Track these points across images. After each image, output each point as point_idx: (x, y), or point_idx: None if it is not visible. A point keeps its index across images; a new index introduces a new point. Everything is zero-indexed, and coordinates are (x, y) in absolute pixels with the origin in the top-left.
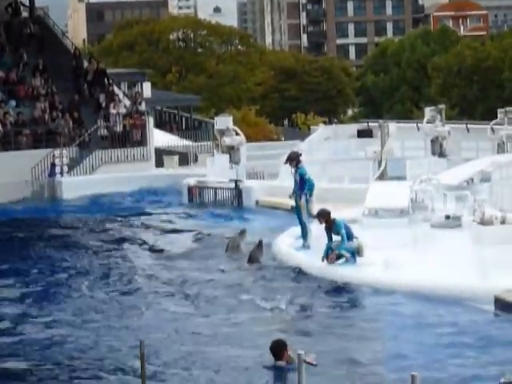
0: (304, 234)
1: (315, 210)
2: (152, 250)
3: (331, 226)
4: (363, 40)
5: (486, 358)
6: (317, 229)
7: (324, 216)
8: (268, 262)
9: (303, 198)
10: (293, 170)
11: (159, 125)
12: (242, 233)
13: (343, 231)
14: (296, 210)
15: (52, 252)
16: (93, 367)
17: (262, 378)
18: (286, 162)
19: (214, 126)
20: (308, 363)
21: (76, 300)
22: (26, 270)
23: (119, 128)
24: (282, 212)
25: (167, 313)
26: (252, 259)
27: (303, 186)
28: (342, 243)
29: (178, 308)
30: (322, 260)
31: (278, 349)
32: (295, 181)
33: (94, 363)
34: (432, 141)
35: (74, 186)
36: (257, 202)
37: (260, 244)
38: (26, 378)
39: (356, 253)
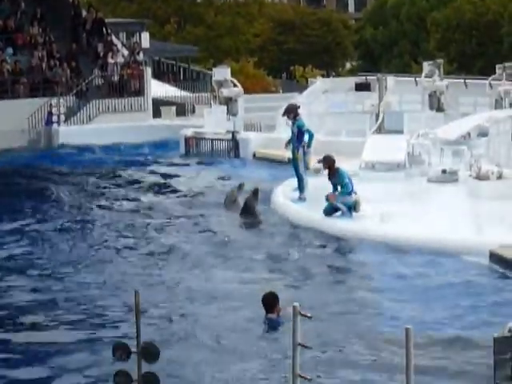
0: (300, 187)
1: (312, 162)
2: (147, 200)
3: (334, 174)
4: None
5: (479, 311)
6: (314, 182)
7: (328, 162)
8: (264, 213)
9: (300, 151)
10: (290, 122)
11: (157, 75)
12: (241, 187)
13: (346, 180)
14: (293, 163)
15: (47, 199)
16: (83, 318)
17: (248, 334)
18: (283, 115)
19: (212, 77)
20: (303, 315)
21: (69, 249)
22: (15, 218)
23: (117, 78)
24: (279, 164)
25: (158, 265)
26: (247, 207)
27: (301, 138)
28: (342, 192)
29: (169, 263)
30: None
31: (270, 301)
32: (292, 133)
33: (85, 314)
34: (430, 95)
35: (71, 135)
36: (254, 154)
37: (256, 192)
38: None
39: (353, 208)
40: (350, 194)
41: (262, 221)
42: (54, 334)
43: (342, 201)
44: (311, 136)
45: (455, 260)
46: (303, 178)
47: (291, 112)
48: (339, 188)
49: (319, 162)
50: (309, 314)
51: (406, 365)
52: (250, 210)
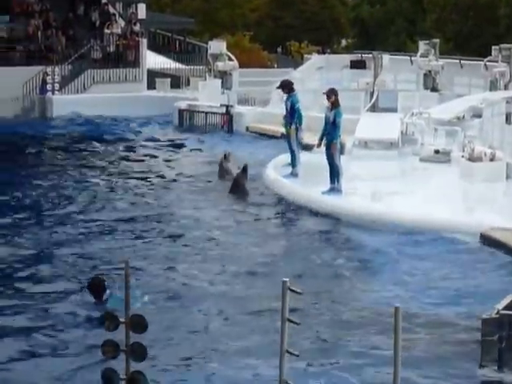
0: (293, 162)
1: (306, 138)
2: (137, 174)
3: (334, 107)
4: None
5: (468, 292)
6: (307, 158)
7: (334, 94)
8: (254, 188)
9: (293, 126)
10: (284, 97)
11: (152, 47)
12: (226, 156)
13: (340, 120)
14: (286, 138)
15: (35, 170)
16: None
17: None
18: (278, 87)
19: (207, 50)
20: (293, 291)
21: (55, 222)
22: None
23: (112, 48)
24: (272, 138)
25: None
26: (237, 184)
27: (293, 114)
28: (337, 132)
29: (163, 242)
30: (318, 146)
31: (95, 287)
32: (286, 108)
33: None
34: (425, 75)
35: (65, 104)
36: (247, 128)
37: (245, 168)
38: None
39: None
40: (339, 135)
41: (250, 194)
42: (43, 300)
43: (338, 136)
44: (300, 116)
45: (445, 240)
46: (296, 153)
47: (286, 86)
48: (330, 128)
49: (323, 93)
50: (299, 290)
51: (394, 344)
52: (239, 187)
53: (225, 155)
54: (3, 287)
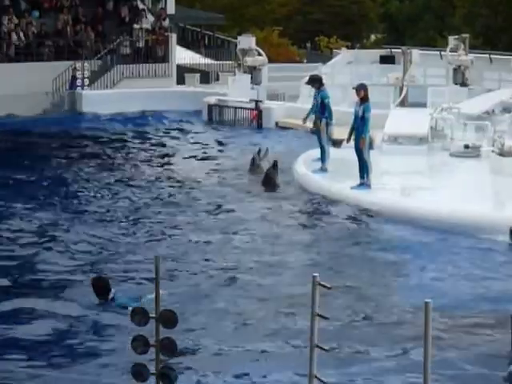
0: (323, 157)
1: (336, 133)
2: (166, 168)
3: (363, 102)
4: None
5: (497, 288)
6: (336, 152)
7: (364, 89)
8: (284, 183)
9: (323, 121)
10: (314, 92)
11: (181, 42)
12: (260, 152)
13: (369, 115)
14: (316, 133)
15: (66, 164)
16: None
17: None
18: (307, 83)
19: (236, 45)
20: (322, 285)
21: (87, 214)
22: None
23: (142, 43)
24: (301, 134)
25: (176, 239)
26: (268, 179)
27: (324, 109)
28: (365, 127)
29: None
30: (347, 141)
31: (100, 286)
32: (316, 103)
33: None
34: (454, 69)
35: (94, 100)
36: (276, 123)
37: (275, 164)
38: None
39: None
40: (369, 130)
41: (281, 188)
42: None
43: (367, 131)
44: (330, 111)
45: (474, 236)
46: (325, 148)
47: (316, 82)
48: (359, 123)
49: (353, 88)
50: (328, 285)
51: (424, 339)
52: (270, 183)
53: (259, 150)
54: (19, 279)
